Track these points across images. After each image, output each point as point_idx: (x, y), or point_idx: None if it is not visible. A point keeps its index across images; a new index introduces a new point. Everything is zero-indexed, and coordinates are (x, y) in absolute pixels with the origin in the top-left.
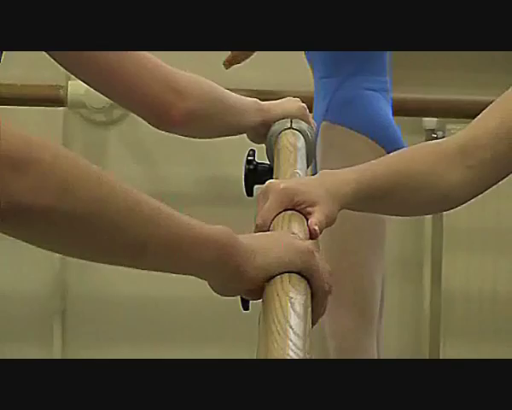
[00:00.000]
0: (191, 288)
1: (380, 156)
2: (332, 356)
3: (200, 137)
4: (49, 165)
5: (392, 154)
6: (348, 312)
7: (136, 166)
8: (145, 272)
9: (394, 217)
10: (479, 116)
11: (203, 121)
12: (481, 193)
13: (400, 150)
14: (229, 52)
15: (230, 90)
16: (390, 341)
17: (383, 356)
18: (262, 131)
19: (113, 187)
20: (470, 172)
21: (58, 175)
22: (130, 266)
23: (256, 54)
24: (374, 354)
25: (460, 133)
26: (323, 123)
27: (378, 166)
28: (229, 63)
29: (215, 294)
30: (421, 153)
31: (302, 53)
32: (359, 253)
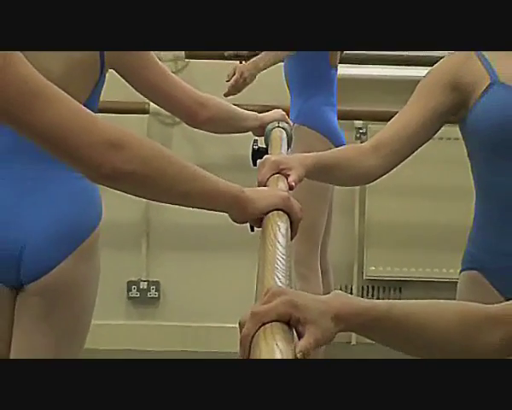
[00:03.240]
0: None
1: (328, 146)
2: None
3: (218, 133)
4: (135, 146)
5: (337, 148)
6: (301, 239)
7: (190, 148)
8: None
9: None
10: (386, 125)
11: (217, 123)
12: (388, 172)
13: (341, 147)
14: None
15: (243, 105)
16: (334, 252)
17: (330, 263)
18: (260, 132)
19: (170, 160)
20: (380, 160)
21: (140, 152)
22: (180, 205)
23: (259, 84)
24: (317, 267)
25: (373, 137)
26: (295, 125)
27: (327, 153)
28: (228, 93)
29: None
30: (351, 148)
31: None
32: (310, 205)
